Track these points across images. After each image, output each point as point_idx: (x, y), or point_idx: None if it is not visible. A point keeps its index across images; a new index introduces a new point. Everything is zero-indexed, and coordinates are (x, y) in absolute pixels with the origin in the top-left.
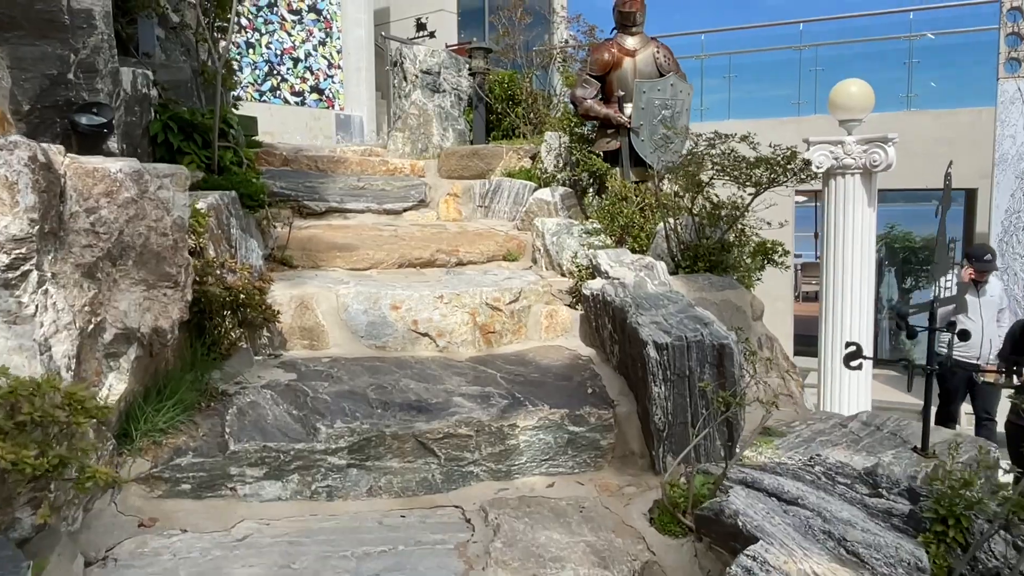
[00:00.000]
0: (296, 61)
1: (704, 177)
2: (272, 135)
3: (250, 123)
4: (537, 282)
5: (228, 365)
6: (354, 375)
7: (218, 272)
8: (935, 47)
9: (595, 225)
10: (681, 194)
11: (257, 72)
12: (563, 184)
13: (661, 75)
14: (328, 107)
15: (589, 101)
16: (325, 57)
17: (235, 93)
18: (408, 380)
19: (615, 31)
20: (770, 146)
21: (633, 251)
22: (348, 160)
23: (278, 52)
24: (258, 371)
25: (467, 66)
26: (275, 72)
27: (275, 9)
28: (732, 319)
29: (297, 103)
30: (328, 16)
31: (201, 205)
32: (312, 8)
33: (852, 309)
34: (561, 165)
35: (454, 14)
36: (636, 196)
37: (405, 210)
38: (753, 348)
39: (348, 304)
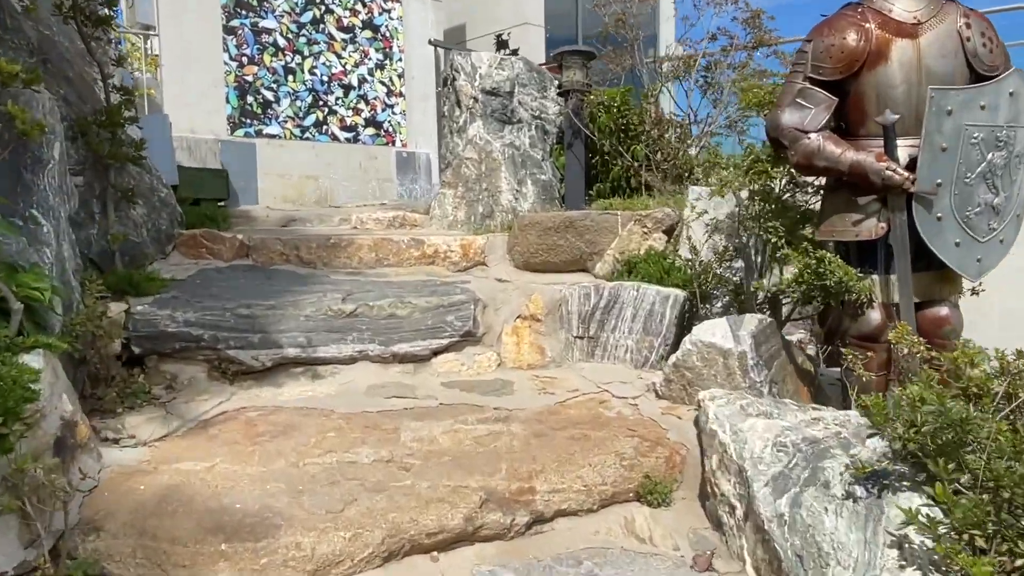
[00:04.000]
0: (347, 89)
1: None
2: (317, 179)
3: (205, 181)
4: None
5: None
6: None
7: None
8: None
9: (881, 448)
10: None
11: (299, 104)
12: (738, 295)
13: (977, 77)
14: (387, 143)
15: (813, 136)
16: (383, 83)
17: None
18: None
19: None
20: None
21: None
22: (356, 242)
23: (325, 78)
24: None
25: (555, 83)
26: (321, 103)
27: (321, 27)
28: None
29: (348, 139)
30: (388, 34)
31: None
32: (368, 24)
33: None
34: (730, 252)
35: (541, 27)
36: (957, 367)
37: (436, 352)
38: None
39: None
